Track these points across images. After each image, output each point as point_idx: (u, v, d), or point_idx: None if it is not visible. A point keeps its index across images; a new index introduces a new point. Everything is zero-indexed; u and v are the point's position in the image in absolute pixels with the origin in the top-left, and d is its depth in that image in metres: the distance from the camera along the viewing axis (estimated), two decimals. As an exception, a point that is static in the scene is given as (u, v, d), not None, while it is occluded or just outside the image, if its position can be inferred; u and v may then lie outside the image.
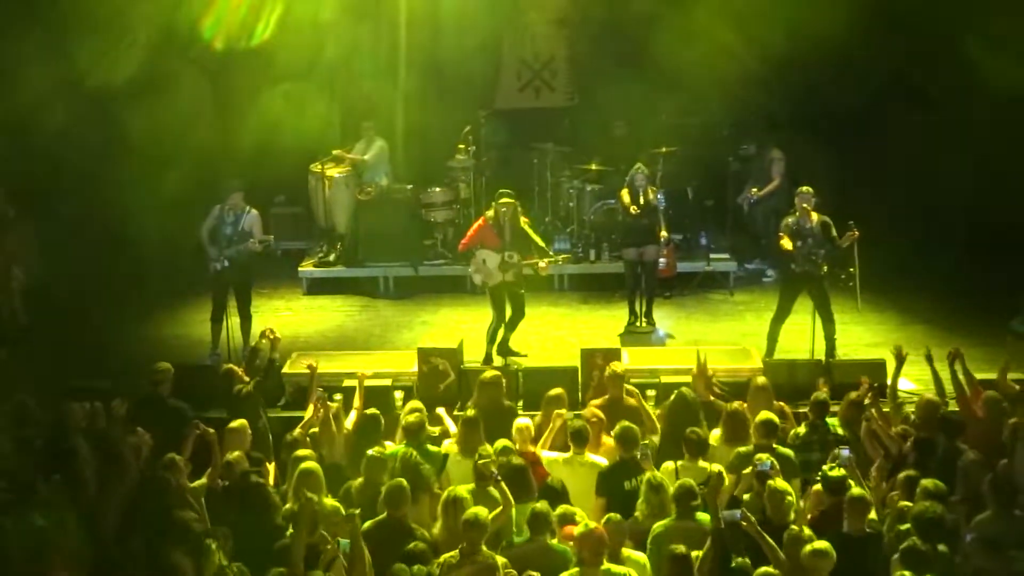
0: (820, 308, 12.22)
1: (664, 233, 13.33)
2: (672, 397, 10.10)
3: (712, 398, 10.37)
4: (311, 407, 10.08)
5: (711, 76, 15.39)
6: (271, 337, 11.00)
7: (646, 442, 9.25)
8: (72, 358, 12.76)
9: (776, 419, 9.44)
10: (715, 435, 9.71)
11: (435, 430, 9.99)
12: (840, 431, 9.75)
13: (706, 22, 15.44)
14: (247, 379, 10.60)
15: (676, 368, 11.50)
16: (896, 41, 14.98)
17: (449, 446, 9.68)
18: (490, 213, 12.65)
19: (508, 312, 12.52)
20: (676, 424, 9.71)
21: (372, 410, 9.96)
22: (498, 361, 12.40)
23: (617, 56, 16.84)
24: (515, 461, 8.85)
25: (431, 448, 9.50)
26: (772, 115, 16.24)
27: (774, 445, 9.22)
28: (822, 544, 7.46)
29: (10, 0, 15.03)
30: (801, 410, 10.42)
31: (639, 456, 9.00)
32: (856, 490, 8.20)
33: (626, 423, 9.28)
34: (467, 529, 7.73)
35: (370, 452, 8.95)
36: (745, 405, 9.89)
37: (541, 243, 12.85)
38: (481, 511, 7.86)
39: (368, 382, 10.78)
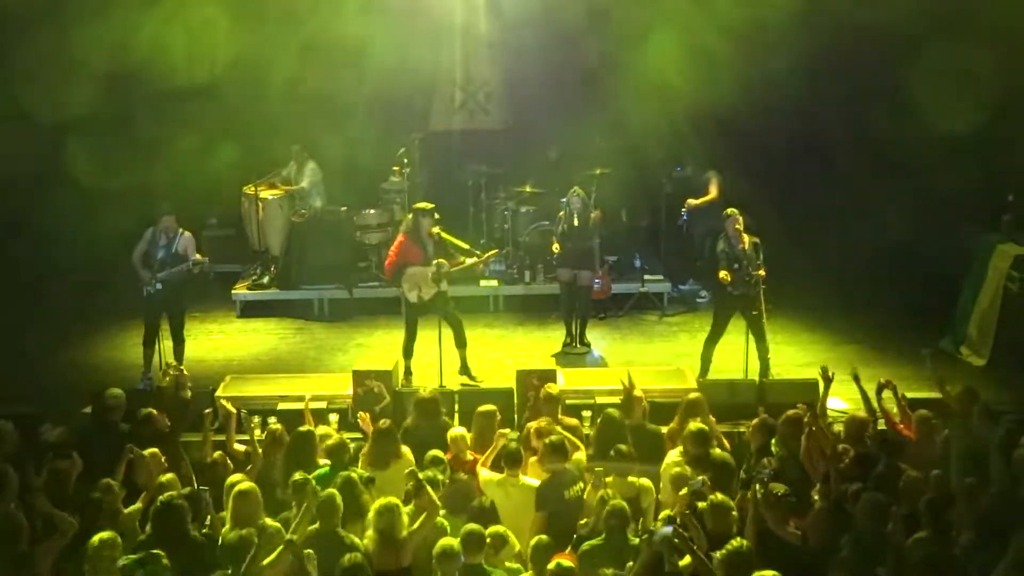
0: (753, 329, 12.33)
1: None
2: (600, 419, 10.04)
3: (644, 422, 10.30)
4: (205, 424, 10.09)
5: (644, 98, 15.51)
6: (174, 374, 10.77)
7: (600, 468, 9.11)
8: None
9: (707, 428, 9.54)
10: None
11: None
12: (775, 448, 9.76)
13: (639, 47, 15.57)
14: (167, 423, 10.28)
15: (611, 389, 11.45)
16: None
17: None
18: (405, 228, 12.64)
19: (451, 335, 12.55)
20: (605, 445, 9.62)
21: (306, 426, 9.89)
22: (423, 378, 12.39)
23: (551, 79, 16.91)
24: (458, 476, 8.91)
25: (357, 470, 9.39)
26: (706, 141, 16.36)
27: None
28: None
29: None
30: (739, 429, 10.48)
31: (592, 484, 8.98)
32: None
33: (556, 437, 9.29)
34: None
35: (294, 477, 8.82)
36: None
37: (463, 244, 12.82)
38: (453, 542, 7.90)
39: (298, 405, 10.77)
